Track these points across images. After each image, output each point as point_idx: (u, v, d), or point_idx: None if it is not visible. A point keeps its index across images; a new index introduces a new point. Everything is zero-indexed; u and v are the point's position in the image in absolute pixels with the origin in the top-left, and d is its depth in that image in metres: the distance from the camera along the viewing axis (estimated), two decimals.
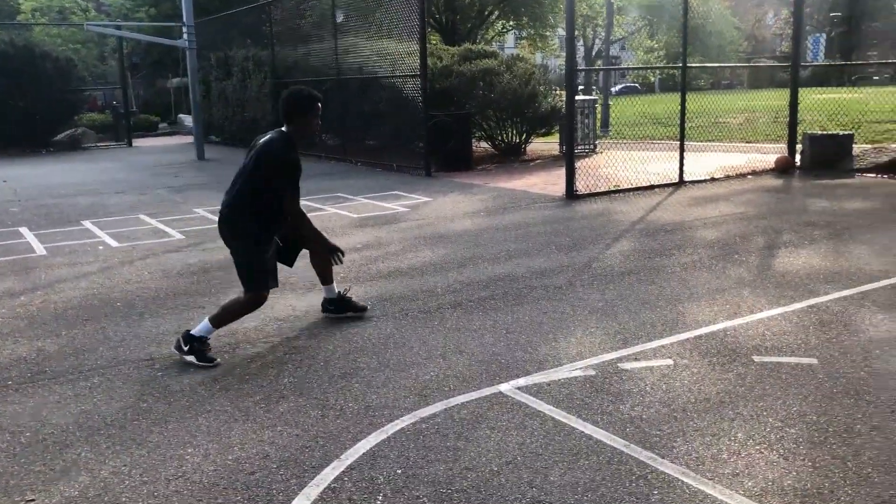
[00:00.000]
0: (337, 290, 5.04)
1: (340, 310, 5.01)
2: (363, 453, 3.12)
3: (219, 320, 4.41)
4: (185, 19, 16.39)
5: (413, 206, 9.49)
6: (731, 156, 13.15)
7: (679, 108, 10.83)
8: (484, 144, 15.35)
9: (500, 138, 15.09)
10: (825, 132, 12.83)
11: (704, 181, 10.79)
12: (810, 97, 12.95)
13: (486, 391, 3.70)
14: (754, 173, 11.32)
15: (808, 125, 13.32)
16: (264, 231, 4.46)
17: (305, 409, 3.59)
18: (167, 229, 8.36)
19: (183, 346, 4.28)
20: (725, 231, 7.37)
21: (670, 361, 4.00)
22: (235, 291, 5.63)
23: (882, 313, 4.69)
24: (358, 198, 10.24)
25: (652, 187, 10.37)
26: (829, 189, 9.78)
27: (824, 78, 37.36)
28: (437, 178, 12.23)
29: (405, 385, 3.82)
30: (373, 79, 14.41)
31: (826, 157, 11.47)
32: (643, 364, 3.98)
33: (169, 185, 12.38)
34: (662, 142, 15.74)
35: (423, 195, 10.29)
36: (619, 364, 3.99)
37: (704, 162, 11.94)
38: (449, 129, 12.95)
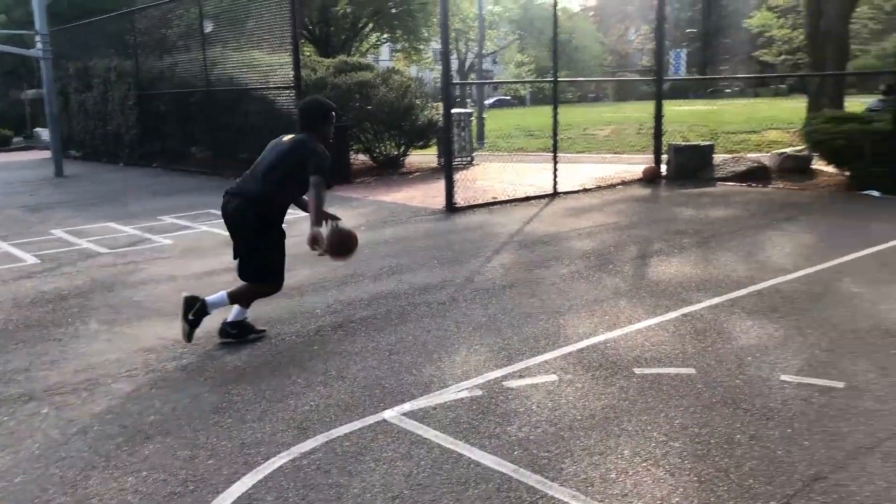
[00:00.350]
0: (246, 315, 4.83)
1: (243, 334, 4.79)
2: (238, 497, 2.89)
3: (240, 294, 4.68)
4: (38, 27, 15.33)
5: (290, 222, 9.14)
6: (602, 166, 13.57)
7: (551, 120, 11.06)
8: (362, 157, 15.19)
9: (378, 151, 14.98)
10: (688, 143, 13.49)
11: (577, 192, 11.05)
12: (671, 109, 13.58)
13: (370, 419, 3.54)
14: (624, 183, 11.70)
15: (671, 136, 13.94)
16: (268, 226, 4.74)
17: (173, 451, 3.31)
18: (19, 253, 7.70)
19: (231, 331, 4.68)
20: (600, 241, 7.53)
21: (554, 377, 3.98)
22: (96, 320, 5.23)
23: (751, 319, 4.87)
24: None
25: (528, 199, 10.52)
26: (694, 198, 10.23)
27: (682, 91, 39.50)
28: None
29: (283, 417, 3.60)
30: (244, 91, 13.97)
31: (690, 166, 12.02)
32: (528, 381, 3.93)
33: (23, 205, 11.49)
34: (536, 154, 16.08)
35: (300, 210, 9.99)
36: (504, 382, 3.93)
37: (577, 173, 12.25)
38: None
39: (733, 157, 12.80)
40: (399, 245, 7.65)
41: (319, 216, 4.61)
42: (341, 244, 4.75)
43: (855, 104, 15.21)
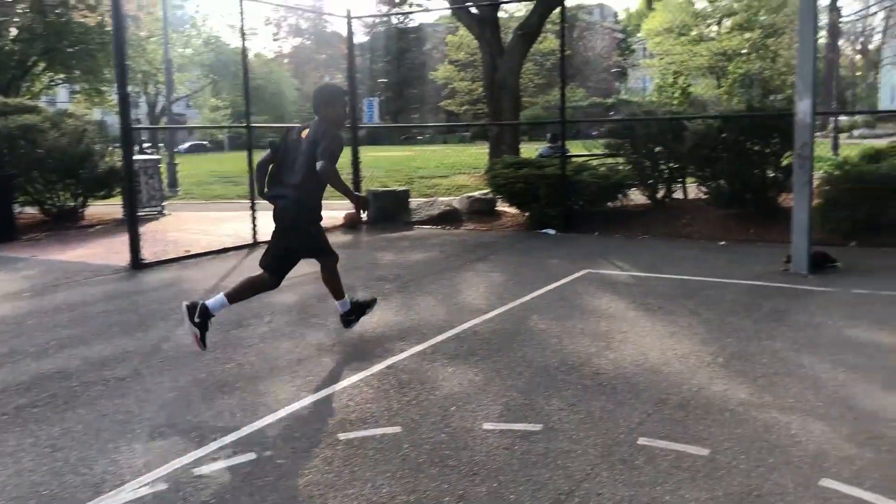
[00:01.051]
0: (350, 299, 5.58)
1: (360, 314, 5.62)
2: None
3: (335, 289, 5.49)
4: None
5: None
6: None
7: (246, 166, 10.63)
8: (31, 210, 13.42)
9: (51, 202, 13.33)
10: (385, 188, 13.83)
11: None
12: (369, 155, 13.86)
13: None
14: (326, 230, 11.57)
15: (369, 181, 14.21)
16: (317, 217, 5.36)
17: None
18: None
19: (351, 315, 5.54)
20: (302, 293, 7.26)
21: (253, 455, 3.59)
22: None
23: (452, 366, 4.89)
24: None
25: (226, 250, 9.96)
26: (394, 242, 10.40)
27: (378, 137, 41.13)
28: None
29: None
30: None
31: (388, 211, 12.30)
32: (223, 464, 3.50)
33: None
34: (235, 201, 15.48)
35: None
36: (194, 470, 3.45)
37: None
38: None
39: (427, 201, 13.35)
40: (73, 312, 6.71)
41: (347, 190, 5.13)
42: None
43: (529, 150, 16.73)
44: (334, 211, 12.72)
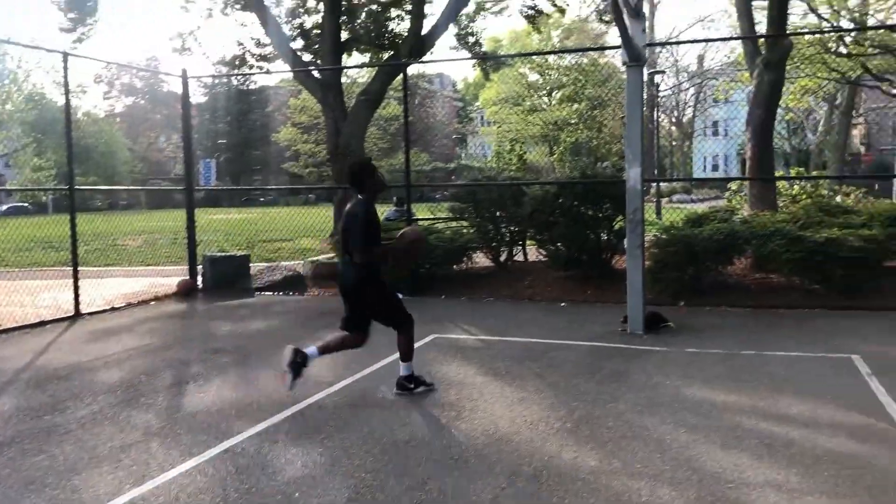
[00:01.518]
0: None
1: (418, 385, 5.65)
2: None
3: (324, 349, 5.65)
4: None
5: None
6: (133, 281, 12.55)
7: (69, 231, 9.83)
8: None
9: None
10: (224, 253, 13.25)
11: (105, 311, 9.90)
12: (207, 218, 13.24)
13: None
14: (157, 299, 10.86)
15: (206, 245, 13.57)
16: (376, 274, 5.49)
17: None
18: None
19: (407, 384, 5.59)
20: (130, 369, 6.66)
21: None
22: None
23: (295, 446, 4.57)
24: None
25: (43, 323, 9.05)
26: (232, 310, 9.89)
27: (216, 199, 39.90)
28: None
29: None
30: None
31: (226, 277, 11.73)
32: None
33: None
34: (56, 268, 14.29)
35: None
36: None
37: (104, 289, 11.06)
38: None
39: (269, 266, 12.91)
40: None
41: (384, 255, 5.55)
42: (407, 253, 5.79)
43: None
44: (169, 277, 12.05)
